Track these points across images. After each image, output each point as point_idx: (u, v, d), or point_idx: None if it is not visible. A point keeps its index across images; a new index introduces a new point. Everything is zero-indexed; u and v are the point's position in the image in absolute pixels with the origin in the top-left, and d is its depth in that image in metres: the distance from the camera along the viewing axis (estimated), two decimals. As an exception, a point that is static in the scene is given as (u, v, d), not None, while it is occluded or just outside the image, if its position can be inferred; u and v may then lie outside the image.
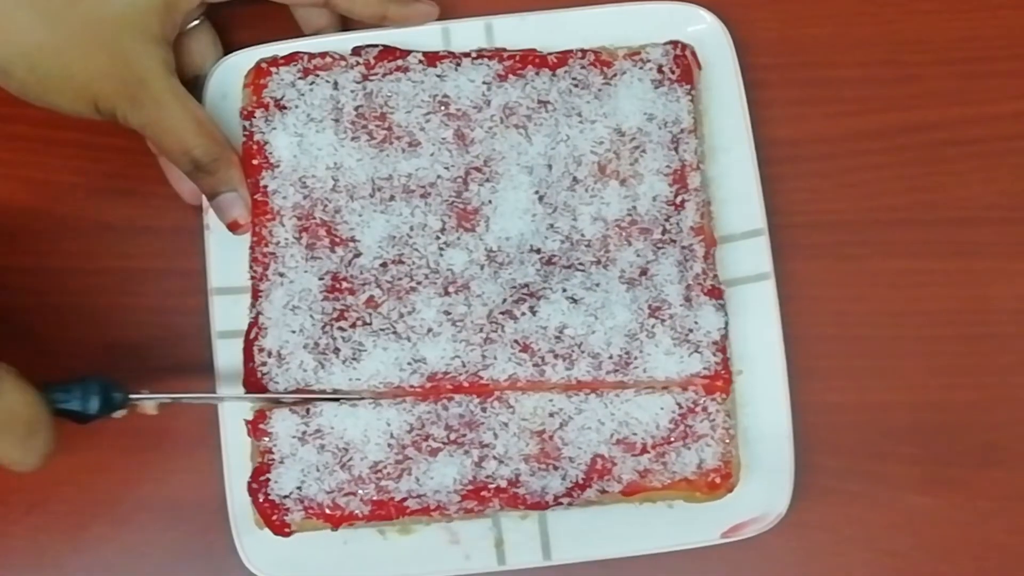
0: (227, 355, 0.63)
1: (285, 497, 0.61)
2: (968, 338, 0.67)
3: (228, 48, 0.67)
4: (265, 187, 0.64)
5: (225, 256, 0.64)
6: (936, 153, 0.69)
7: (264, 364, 0.62)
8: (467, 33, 0.66)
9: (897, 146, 0.69)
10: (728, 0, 0.67)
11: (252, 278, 0.63)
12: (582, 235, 0.63)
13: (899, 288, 0.68)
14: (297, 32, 0.67)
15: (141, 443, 0.66)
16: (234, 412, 0.63)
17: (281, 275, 0.63)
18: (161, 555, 0.65)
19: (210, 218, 0.64)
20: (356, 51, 0.65)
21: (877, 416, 0.67)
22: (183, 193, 0.65)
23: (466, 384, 0.61)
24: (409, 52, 0.65)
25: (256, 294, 0.63)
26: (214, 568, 0.65)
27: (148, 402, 0.60)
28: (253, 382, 0.62)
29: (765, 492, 0.63)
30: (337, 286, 0.63)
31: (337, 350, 0.62)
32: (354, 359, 0.62)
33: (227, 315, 0.64)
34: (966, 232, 0.68)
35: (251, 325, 0.62)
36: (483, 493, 0.60)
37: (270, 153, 0.64)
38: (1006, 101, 0.69)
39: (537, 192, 0.64)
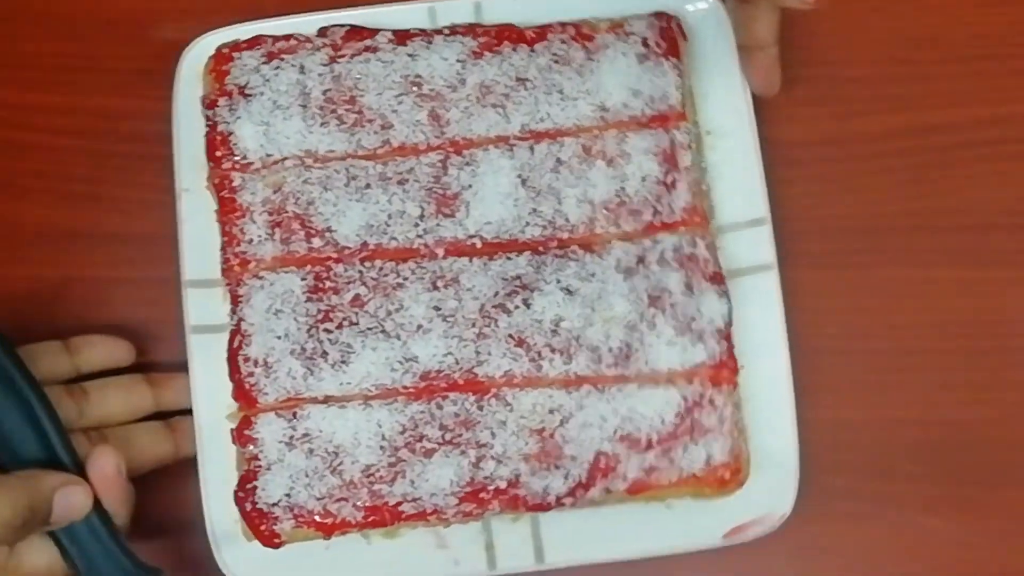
0: (202, 351, 0.61)
1: (274, 505, 0.58)
2: (982, 351, 0.65)
3: (197, 32, 0.64)
4: (232, 182, 0.61)
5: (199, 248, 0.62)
6: (948, 156, 0.66)
7: (251, 374, 0.59)
8: (454, 14, 0.64)
9: (908, 148, 0.66)
10: (730, 0, 0.64)
11: (227, 284, 0.60)
12: (567, 219, 0.61)
13: (909, 298, 0.65)
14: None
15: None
16: (212, 419, 0.60)
17: (260, 277, 0.60)
18: None
19: (183, 207, 0.62)
20: (322, 32, 0.63)
21: (885, 433, 0.64)
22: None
23: (461, 382, 0.59)
24: (377, 31, 0.63)
25: (235, 299, 0.60)
26: None
27: None
28: (243, 394, 0.59)
29: (769, 491, 0.60)
30: (320, 286, 0.60)
31: (325, 354, 0.59)
32: (343, 362, 0.59)
33: (202, 310, 0.62)
34: (980, 239, 0.65)
35: (233, 333, 0.60)
36: (482, 495, 0.58)
37: (235, 144, 0.61)
38: (1022, 101, 0.67)
39: (520, 175, 0.61)
